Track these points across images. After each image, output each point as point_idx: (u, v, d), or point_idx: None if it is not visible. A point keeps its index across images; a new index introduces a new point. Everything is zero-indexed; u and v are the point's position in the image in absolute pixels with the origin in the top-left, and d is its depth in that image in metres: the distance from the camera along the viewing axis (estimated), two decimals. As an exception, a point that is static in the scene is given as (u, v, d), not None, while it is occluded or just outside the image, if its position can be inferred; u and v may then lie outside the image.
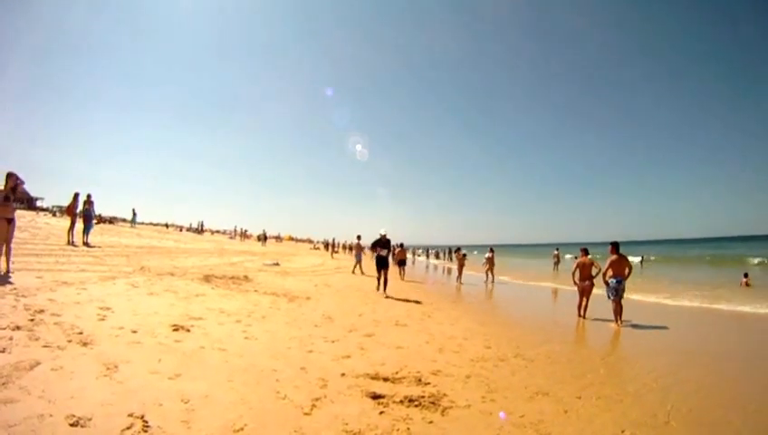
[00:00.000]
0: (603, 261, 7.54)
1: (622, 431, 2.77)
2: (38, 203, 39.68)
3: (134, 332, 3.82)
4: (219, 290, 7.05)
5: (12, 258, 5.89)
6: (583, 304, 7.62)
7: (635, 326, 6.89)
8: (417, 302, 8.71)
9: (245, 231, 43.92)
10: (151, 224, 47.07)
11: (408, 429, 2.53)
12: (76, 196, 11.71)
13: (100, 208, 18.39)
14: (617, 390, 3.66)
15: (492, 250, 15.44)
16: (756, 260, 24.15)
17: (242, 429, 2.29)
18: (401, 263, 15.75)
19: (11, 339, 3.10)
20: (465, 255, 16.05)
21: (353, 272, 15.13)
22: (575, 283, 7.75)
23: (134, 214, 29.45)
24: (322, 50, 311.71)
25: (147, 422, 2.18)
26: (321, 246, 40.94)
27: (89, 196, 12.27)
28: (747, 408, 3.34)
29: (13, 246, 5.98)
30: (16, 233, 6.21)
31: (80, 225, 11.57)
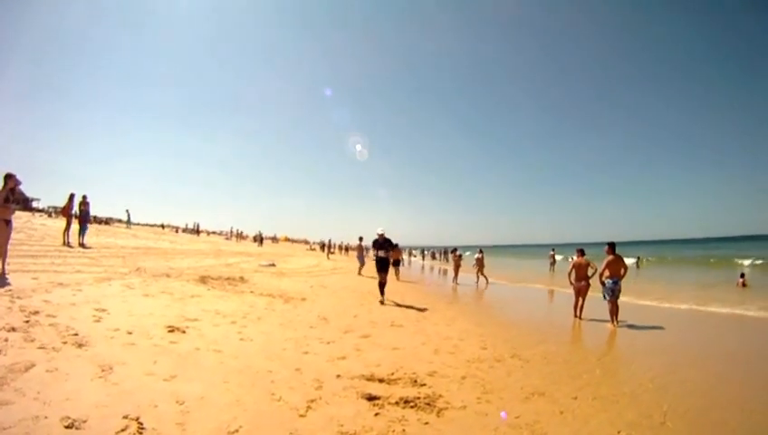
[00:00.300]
0: (598, 261, 7.59)
1: (618, 432, 2.78)
2: (34, 204, 39.34)
3: (129, 333, 3.81)
4: (215, 291, 7.03)
5: (7, 259, 5.86)
6: (579, 304, 7.66)
7: (631, 327, 6.92)
8: (413, 303, 8.70)
9: (241, 232, 43.87)
10: (147, 225, 46.80)
11: (404, 430, 2.53)
12: (71, 197, 11.64)
13: (96, 210, 18.22)
14: (613, 390, 3.68)
15: (481, 251, 15.50)
16: (753, 261, 24.25)
17: (237, 430, 2.29)
18: (396, 263, 15.82)
19: (6, 340, 3.09)
20: (461, 255, 16.09)
21: (359, 274, 15.13)
22: (571, 283, 7.79)
23: (128, 215, 29.27)
24: (321, 50, 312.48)
25: (142, 424, 2.18)
26: (318, 247, 40.85)
27: (84, 197, 12.25)
28: (744, 408, 3.36)
29: (9, 247, 5.95)
30: (12, 234, 6.19)
31: (75, 226, 11.52)
